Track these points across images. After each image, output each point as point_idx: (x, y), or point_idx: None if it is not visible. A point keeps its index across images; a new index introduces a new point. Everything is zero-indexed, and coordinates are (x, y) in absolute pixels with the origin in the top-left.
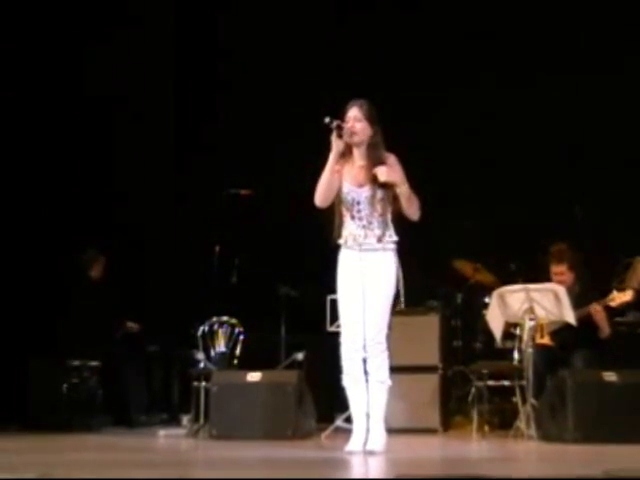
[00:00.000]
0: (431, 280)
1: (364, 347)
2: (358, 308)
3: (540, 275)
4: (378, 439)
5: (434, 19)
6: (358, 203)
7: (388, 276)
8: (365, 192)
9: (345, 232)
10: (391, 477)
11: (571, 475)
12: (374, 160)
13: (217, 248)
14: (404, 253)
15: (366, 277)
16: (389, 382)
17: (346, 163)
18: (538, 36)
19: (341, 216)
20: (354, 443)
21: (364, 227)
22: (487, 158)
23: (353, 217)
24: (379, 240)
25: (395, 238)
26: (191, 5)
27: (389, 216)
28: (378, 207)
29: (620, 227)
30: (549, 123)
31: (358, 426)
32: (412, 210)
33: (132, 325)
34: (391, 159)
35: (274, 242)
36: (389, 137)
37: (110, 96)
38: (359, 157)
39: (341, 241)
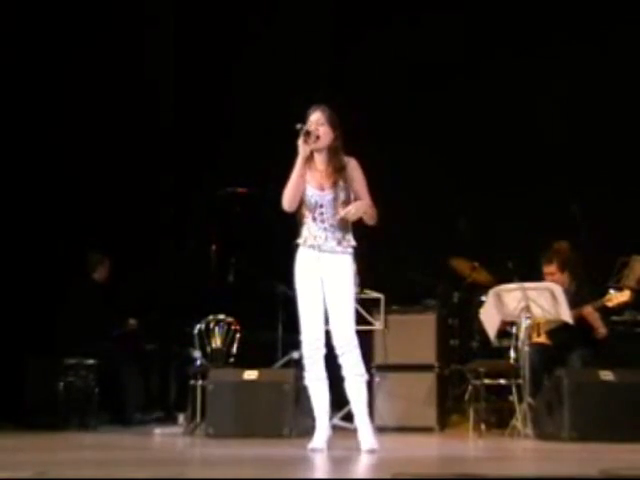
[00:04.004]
0: (428, 279)
1: (326, 344)
2: (318, 307)
3: (537, 274)
4: (372, 436)
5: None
6: (321, 206)
7: (348, 276)
8: (328, 196)
9: (305, 232)
10: (387, 476)
11: (568, 474)
12: (335, 164)
13: (214, 247)
14: (402, 252)
15: (326, 279)
16: (367, 376)
17: (308, 168)
18: (535, 34)
19: (302, 217)
20: (317, 440)
21: (325, 230)
22: (484, 157)
23: (315, 219)
24: (339, 243)
25: (354, 243)
26: (192, 5)
27: (350, 221)
28: (340, 211)
29: (617, 226)
30: (547, 122)
31: (321, 423)
32: (371, 220)
33: (132, 322)
34: (352, 163)
35: (271, 241)
36: (380, 134)
37: (110, 95)
38: (320, 162)
39: (300, 240)
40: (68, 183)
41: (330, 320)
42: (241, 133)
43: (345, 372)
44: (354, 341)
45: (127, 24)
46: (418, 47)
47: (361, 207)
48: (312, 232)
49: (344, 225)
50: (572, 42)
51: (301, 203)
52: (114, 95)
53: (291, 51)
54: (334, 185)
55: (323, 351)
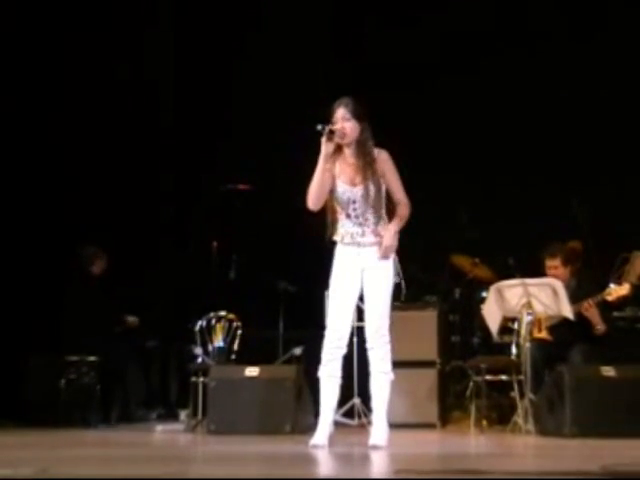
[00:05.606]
0: (429, 275)
1: (348, 344)
2: (349, 306)
3: (538, 270)
4: (382, 434)
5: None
6: (354, 202)
7: (387, 268)
8: (360, 191)
9: (341, 230)
10: (389, 472)
11: (569, 470)
12: (365, 157)
13: (215, 243)
14: (403, 248)
15: (366, 272)
16: (392, 375)
17: (337, 161)
18: (535, 31)
19: (334, 213)
20: (318, 436)
21: (360, 224)
22: (485, 152)
23: (349, 215)
24: (377, 235)
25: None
26: (192, 5)
27: (384, 210)
28: (373, 203)
29: (618, 221)
30: (547, 117)
31: (324, 419)
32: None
33: (132, 319)
34: (382, 155)
35: (272, 237)
36: (381, 133)
37: (110, 95)
38: (350, 155)
39: (337, 238)
40: (69, 182)
41: (365, 313)
42: (241, 132)
43: (371, 367)
44: (385, 337)
45: (127, 23)
46: (418, 45)
47: (391, 235)
48: (348, 229)
49: (379, 217)
50: (572, 39)
51: (330, 199)
52: (114, 94)
53: (291, 51)
54: (364, 179)
55: (343, 351)
